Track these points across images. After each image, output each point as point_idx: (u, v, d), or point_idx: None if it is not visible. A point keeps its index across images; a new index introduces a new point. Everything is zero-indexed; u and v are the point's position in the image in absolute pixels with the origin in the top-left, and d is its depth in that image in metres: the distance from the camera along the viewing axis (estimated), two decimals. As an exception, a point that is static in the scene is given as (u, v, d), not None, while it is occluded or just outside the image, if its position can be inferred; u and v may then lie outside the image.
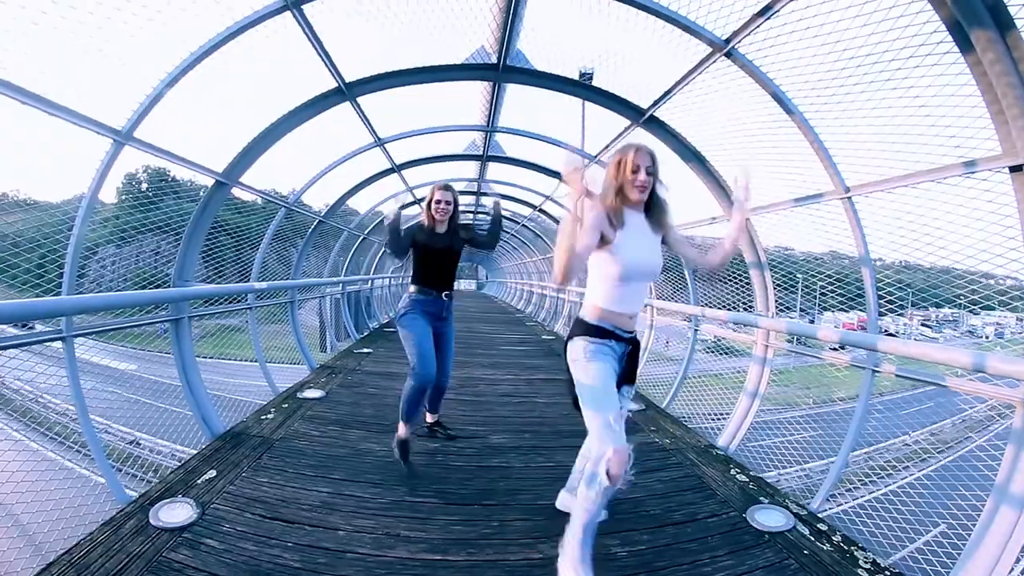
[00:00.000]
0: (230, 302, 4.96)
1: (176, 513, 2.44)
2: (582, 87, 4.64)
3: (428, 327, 3.30)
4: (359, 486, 2.90)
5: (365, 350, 7.16)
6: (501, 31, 3.88)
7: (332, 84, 4.12)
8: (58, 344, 2.68)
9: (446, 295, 3.44)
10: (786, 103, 3.40)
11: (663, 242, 2.21)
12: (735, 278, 5.00)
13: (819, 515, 2.88)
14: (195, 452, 3.29)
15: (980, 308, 3.15)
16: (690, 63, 3.72)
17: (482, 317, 13.87)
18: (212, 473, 2.91)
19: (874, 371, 3.22)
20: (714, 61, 3.53)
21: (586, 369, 2.07)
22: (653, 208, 2.14)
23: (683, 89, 4.08)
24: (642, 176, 2.02)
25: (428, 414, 3.76)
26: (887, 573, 2.30)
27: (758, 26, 3.09)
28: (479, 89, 5.25)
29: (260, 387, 5.31)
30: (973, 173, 2.70)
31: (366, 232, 9.87)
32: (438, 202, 3.32)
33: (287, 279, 6.49)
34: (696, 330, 5.36)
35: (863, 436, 3.44)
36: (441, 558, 2.26)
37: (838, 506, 3.52)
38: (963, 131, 2.70)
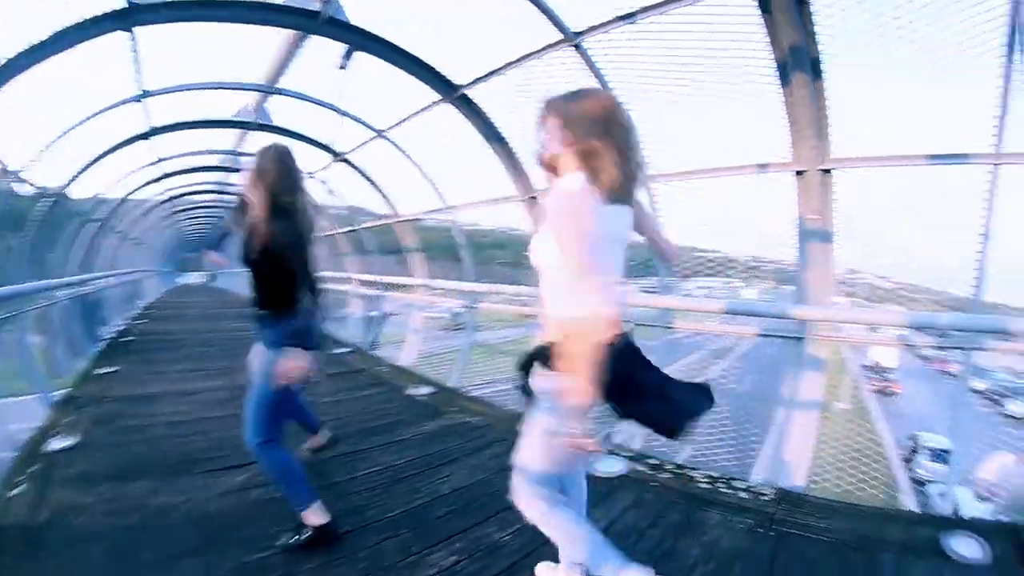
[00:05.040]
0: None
1: None
2: (397, 52, 4.28)
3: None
4: (181, 561, 2.08)
5: (108, 369, 5.36)
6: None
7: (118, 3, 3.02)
8: None
9: (262, 314, 2.21)
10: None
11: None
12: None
13: (646, 454, 3.25)
14: None
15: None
16: (532, 47, 3.72)
17: (219, 314, 11.82)
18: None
19: (636, 325, 3.81)
20: (559, 49, 3.60)
21: None
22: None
23: (511, 71, 4.10)
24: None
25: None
26: (722, 480, 2.88)
27: (614, 28, 3.32)
28: (279, 41, 4.41)
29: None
30: (766, 172, 3.48)
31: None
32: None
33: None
34: (473, 307, 5.49)
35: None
36: None
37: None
38: (766, 141, 3.40)
